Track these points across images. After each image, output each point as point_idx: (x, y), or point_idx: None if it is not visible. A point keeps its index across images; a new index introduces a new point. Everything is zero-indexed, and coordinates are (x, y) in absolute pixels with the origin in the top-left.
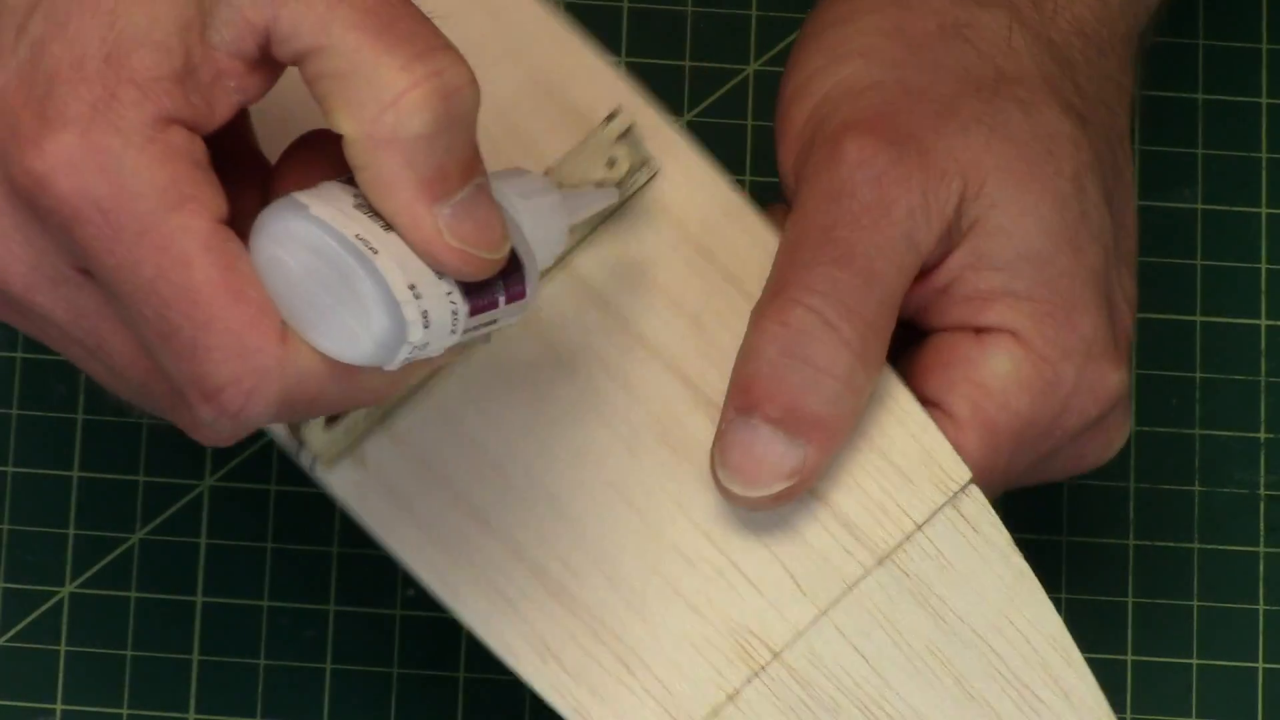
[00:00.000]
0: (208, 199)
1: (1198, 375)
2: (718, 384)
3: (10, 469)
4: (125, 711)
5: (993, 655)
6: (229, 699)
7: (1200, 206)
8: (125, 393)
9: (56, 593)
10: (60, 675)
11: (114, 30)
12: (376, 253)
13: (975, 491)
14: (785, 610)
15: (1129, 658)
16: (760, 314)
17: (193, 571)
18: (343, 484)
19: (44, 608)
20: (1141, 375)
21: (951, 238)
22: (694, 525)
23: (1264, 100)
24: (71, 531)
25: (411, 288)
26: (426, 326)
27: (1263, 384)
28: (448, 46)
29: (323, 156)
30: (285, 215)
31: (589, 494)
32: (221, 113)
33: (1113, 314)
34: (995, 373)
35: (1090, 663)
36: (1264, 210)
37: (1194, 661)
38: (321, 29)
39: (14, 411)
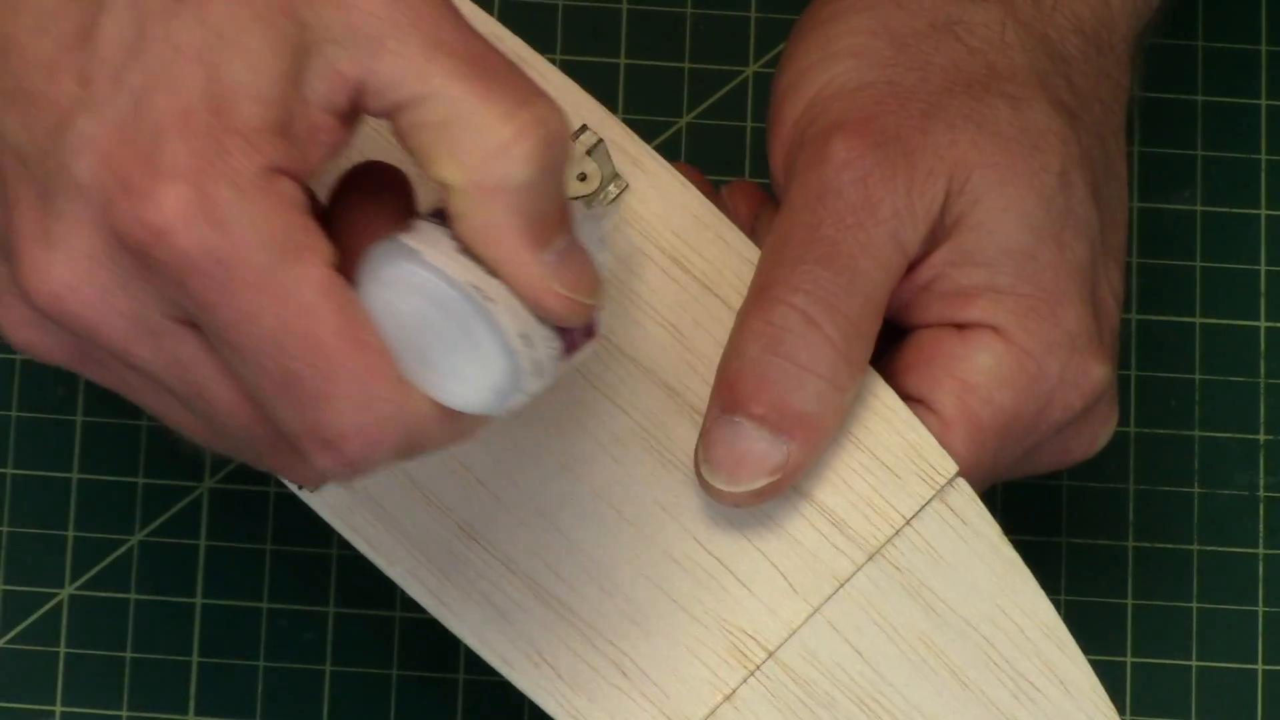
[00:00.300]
0: (321, 247)
1: (1197, 377)
2: (700, 390)
3: (10, 471)
4: (125, 713)
5: (987, 645)
6: (228, 701)
7: (1199, 208)
8: (215, 439)
9: (56, 594)
10: (59, 677)
11: (217, 82)
12: (492, 303)
13: (962, 484)
14: (778, 609)
15: (1128, 659)
16: (744, 313)
17: (192, 573)
18: (329, 502)
19: (43, 609)
20: (1141, 376)
21: (936, 235)
22: (683, 529)
23: (1263, 102)
24: (71, 533)
25: (523, 336)
26: (538, 376)
27: (1262, 385)
28: (543, 92)
29: (383, 193)
30: (399, 261)
31: (577, 504)
32: (315, 165)
33: (1098, 308)
34: (979, 368)
35: (1089, 664)
36: (1263, 212)
37: (1193, 663)
38: (421, 79)
39: (13, 413)
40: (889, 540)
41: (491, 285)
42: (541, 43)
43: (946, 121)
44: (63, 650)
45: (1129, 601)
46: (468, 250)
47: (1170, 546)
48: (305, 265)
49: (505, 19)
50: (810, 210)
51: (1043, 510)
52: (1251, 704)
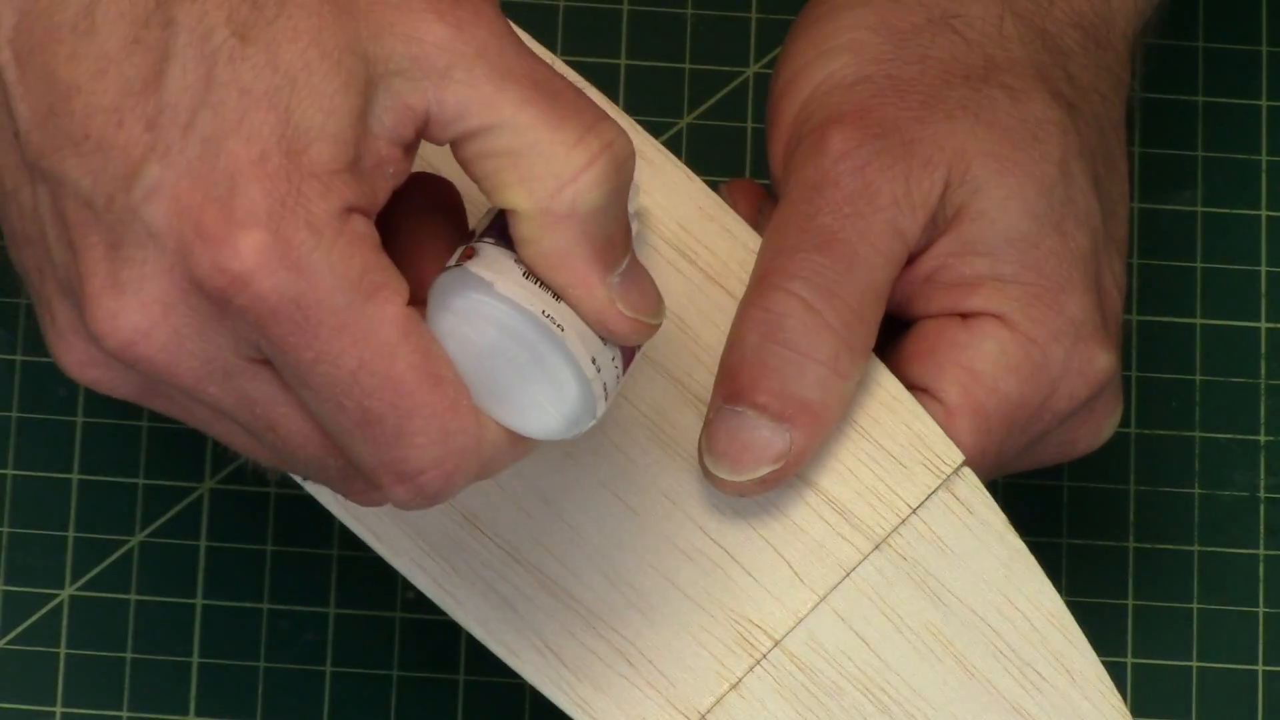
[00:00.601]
0: (396, 284)
1: (1197, 378)
2: (706, 381)
3: (10, 471)
4: (125, 714)
5: (993, 634)
6: (229, 702)
7: (1200, 209)
8: (283, 465)
9: (56, 595)
10: (60, 678)
11: (290, 125)
12: (564, 330)
13: (968, 474)
14: (784, 598)
15: (1129, 660)
16: (744, 302)
17: (193, 574)
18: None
19: (44, 610)
20: (1141, 377)
21: (937, 225)
22: (689, 519)
23: (1264, 103)
24: (71, 534)
25: (593, 361)
26: (606, 399)
27: (1263, 386)
28: (607, 115)
29: (438, 211)
30: (470, 292)
31: (582, 493)
32: (383, 196)
33: (1102, 297)
34: (983, 356)
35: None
36: (1264, 212)
37: (1194, 664)
38: (490, 108)
39: (14, 414)
40: (895, 529)
41: (561, 311)
42: (541, 43)
43: (945, 112)
44: (63, 651)
45: (1129, 602)
46: (533, 274)
47: (1170, 547)
48: (382, 304)
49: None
50: (808, 200)
51: (1043, 510)
52: (1251, 704)
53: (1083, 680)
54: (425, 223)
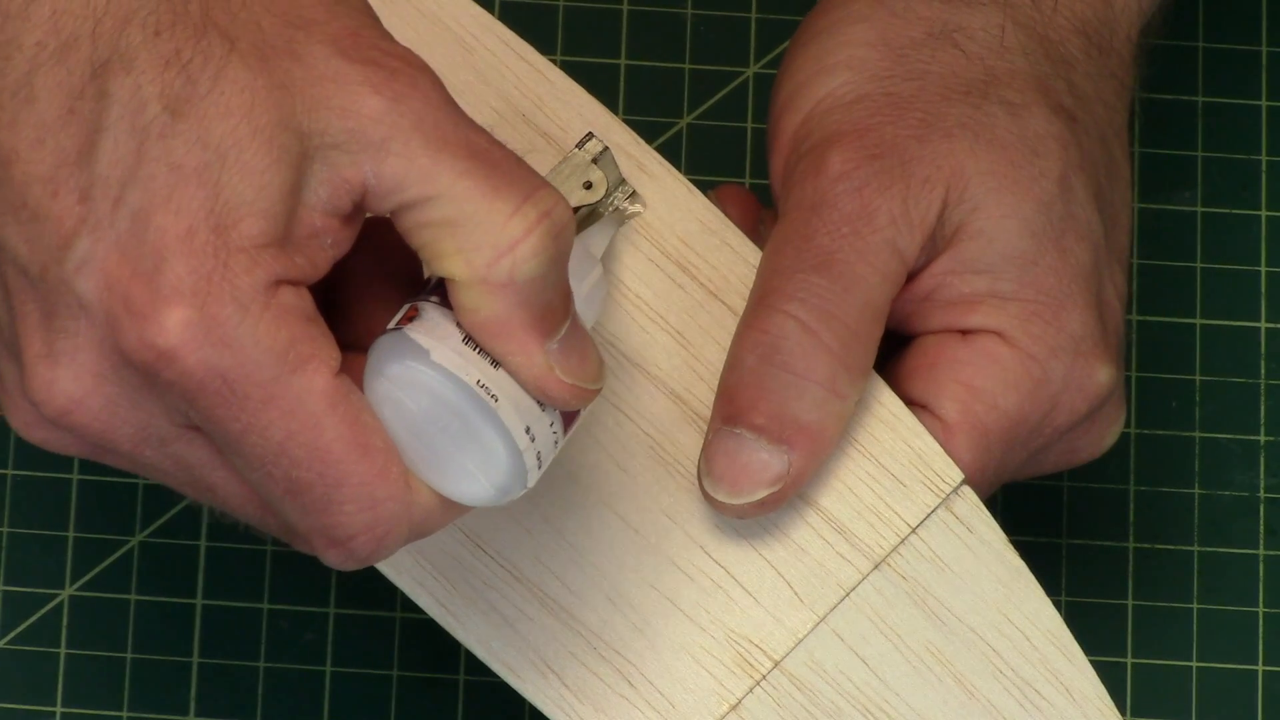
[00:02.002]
0: (325, 354)
1: (1197, 378)
2: (706, 398)
3: (10, 472)
4: (125, 714)
5: (992, 654)
6: (229, 702)
7: (1200, 209)
8: (240, 521)
9: (56, 595)
10: (60, 678)
11: (219, 201)
12: (497, 400)
13: (968, 492)
14: (784, 618)
15: (1129, 660)
16: (743, 323)
17: (193, 574)
18: None
19: (44, 610)
20: (1141, 378)
21: (935, 244)
22: (690, 539)
23: (1264, 103)
24: (71, 534)
25: (527, 430)
26: (540, 468)
27: (1262, 386)
28: (546, 182)
29: (388, 264)
30: (405, 359)
31: (583, 513)
32: (321, 268)
33: (1102, 311)
34: (983, 372)
35: (1094, 670)
36: (1263, 213)
37: (1194, 664)
38: (427, 179)
39: None
40: (895, 549)
41: (497, 379)
42: (542, 43)
43: (944, 130)
44: (63, 651)
45: (1129, 602)
46: (472, 339)
47: (1171, 547)
48: (310, 376)
49: (505, 19)
50: (806, 221)
51: (1043, 511)
52: (1251, 704)
53: (1082, 699)
54: (375, 277)
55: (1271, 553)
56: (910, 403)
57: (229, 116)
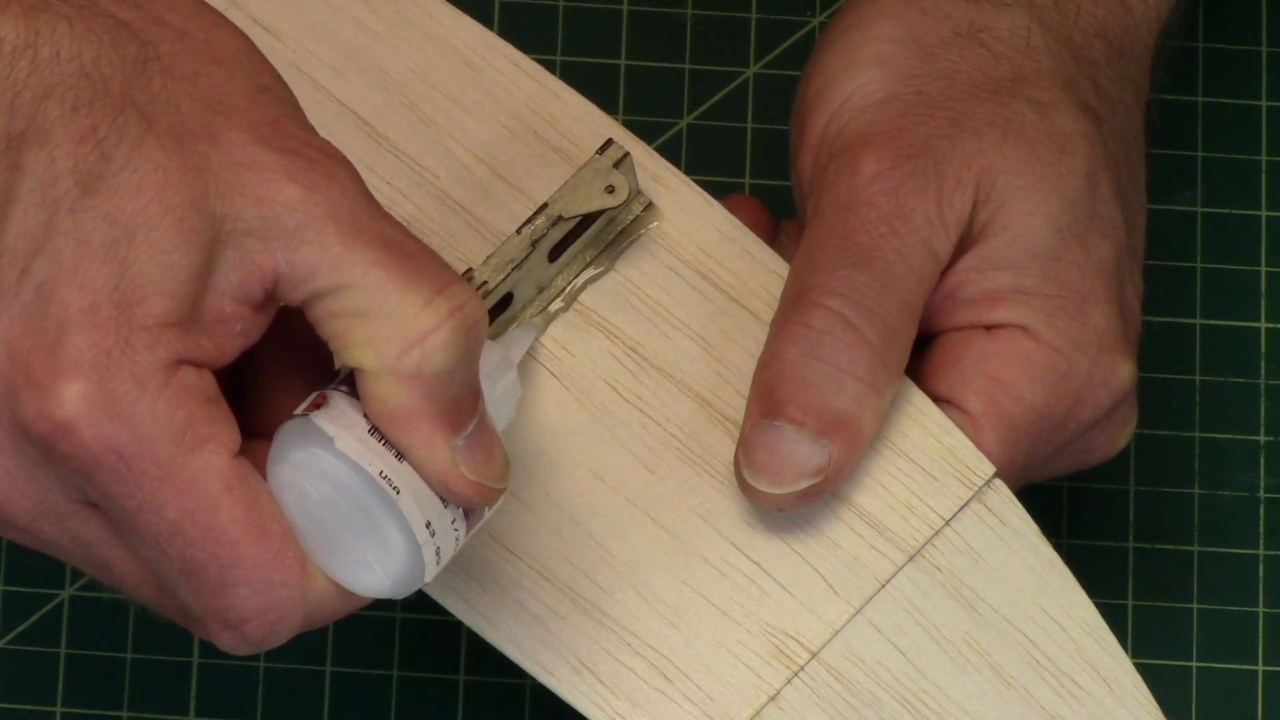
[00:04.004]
0: (223, 435)
1: (1197, 378)
2: (732, 400)
3: None
4: (125, 714)
5: (1029, 644)
6: (229, 702)
7: (1200, 209)
8: (137, 601)
9: (57, 595)
10: (60, 678)
11: (125, 278)
12: (399, 493)
13: (1000, 485)
14: (820, 611)
15: (1129, 660)
16: (781, 319)
17: None
18: None
19: (44, 610)
20: (1141, 378)
21: (964, 243)
22: (721, 536)
23: (1264, 103)
24: None
25: (428, 525)
26: (438, 563)
27: (1262, 386)
28: (459, 277)
29: (299, 351)
30: (309, 446)
31: (612, 513)
32: (228, 353)
33: (1124, 308)
34: (1009, 365)
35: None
36: (1264, 213)
37: (1194, 664)
38: (340, 269)
39: None
40: (928, 541)
41: (400, 472)
42: (542, 44)
43: (973, 129)
44: (63, 651)
45: (1129, 602)
46: (378, 431)
47: (1171, 547)
48: (207, 456)
49: (505, 20)
50: (842, 220)
51: (1043, 511)
52: (1251, 704)
53: (1120, 689)
54: (286, 367)
55: (1271, 553)
56: (936, 399)
57: (140, 194)
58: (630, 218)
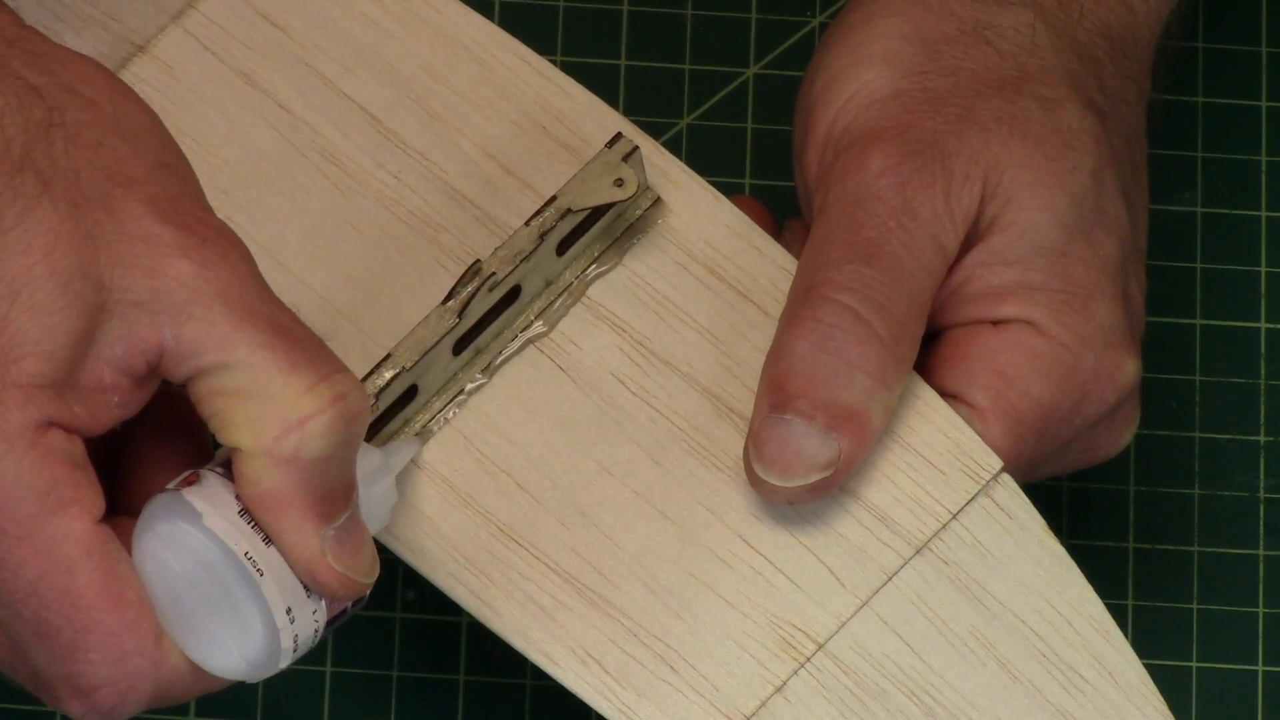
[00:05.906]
0: (87, 500)
1: (1197, 378)
2: (740, 394)
3: None
4: None
5: (1035, 638)
6: (229, 702)
7: (1200, 209)
8: None
9: None
10: None
11: (3, 335)
12: (263, 575)
13: (1007, 480)
14: (826, 603)
15: (1136, 656)
16: (790, 313)
17: None
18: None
19: None
20: (1142, 378)
21: (970, 239)
22: (728, 528)
23: (1264, 103)
24: None
25: (288, 611)
26: (295, 650)
27: (1262, 387)
28: (345, 369)
29: (178, 430)
30: (176, 519)
31: (619, 506)
32: (103, 422)
33: (1129, 304)
34: (1015, 360)
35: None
36: (1264, 213)
37: (1194, 664)
38: (225, 347)
39: None
40: (936, 534)
41: (266, 555)
42: (542, 44)
43: (980, 125)
44: None
45: (1129, 602)
46: (248, 513)
47: (1170, 548)
48: (69, 519)
49: (505, 20)
50: (851, 215)
51: (1043, 511)
52: (1251, 704)
53: (1126, 684)
54: (163, 446)
55: (1271, 553)
56: (942, 393)
57: (28, 254)
58: (639, 212)
